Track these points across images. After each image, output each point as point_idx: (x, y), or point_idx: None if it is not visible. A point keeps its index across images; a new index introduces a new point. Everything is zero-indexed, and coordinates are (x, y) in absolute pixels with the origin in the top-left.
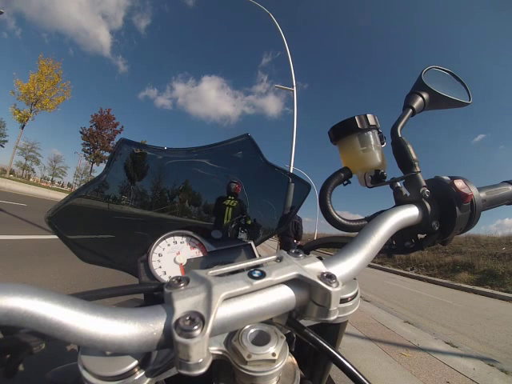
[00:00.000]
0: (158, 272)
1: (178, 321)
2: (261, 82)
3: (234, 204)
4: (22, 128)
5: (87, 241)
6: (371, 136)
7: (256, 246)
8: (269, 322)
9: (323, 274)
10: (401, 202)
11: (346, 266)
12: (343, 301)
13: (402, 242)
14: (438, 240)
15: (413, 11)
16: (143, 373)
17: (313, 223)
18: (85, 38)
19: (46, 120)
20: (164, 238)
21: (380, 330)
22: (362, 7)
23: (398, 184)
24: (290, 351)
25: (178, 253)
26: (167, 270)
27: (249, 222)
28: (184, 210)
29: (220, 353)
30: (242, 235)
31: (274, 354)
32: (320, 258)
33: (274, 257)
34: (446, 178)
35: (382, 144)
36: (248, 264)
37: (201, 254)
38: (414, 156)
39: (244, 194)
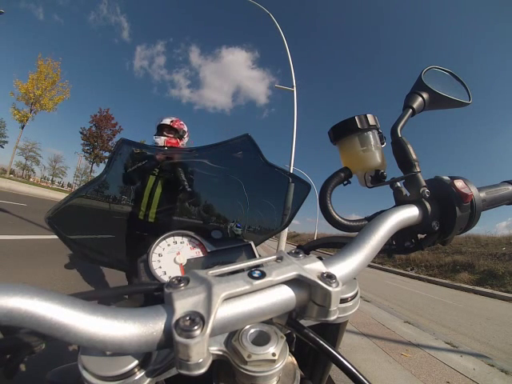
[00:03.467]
0: (158, 272)
1: (178, 321)
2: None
3: (167, 175)
4: (22, 128)
5: (87, 241)
6: (371, 136)
7: (256, 246)
8: (269, 322)
9: (323, 274)
10: (401, 202)
11: (346, 266)
12: (343, 301)
13: (402, 242)
14: (438, 240)
15: (414, 9)
16: (143, 373)
17: (313, 223)
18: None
19: (45, 120)
20: (164, 238)
21: (380, 330)
22: (361, 6)
23: (398, 184)
24: (290, 351)
25: (178, 253)
26: (167, 270)
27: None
28: (184, 209)
29: (220, 353)
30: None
31: (274, 354)
32: (320, 258)
33: (274, 257)
34: (446, 178)
35: (382, 144)
36: (248, 264)
37: (201, 254)
38: (413, 156)
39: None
